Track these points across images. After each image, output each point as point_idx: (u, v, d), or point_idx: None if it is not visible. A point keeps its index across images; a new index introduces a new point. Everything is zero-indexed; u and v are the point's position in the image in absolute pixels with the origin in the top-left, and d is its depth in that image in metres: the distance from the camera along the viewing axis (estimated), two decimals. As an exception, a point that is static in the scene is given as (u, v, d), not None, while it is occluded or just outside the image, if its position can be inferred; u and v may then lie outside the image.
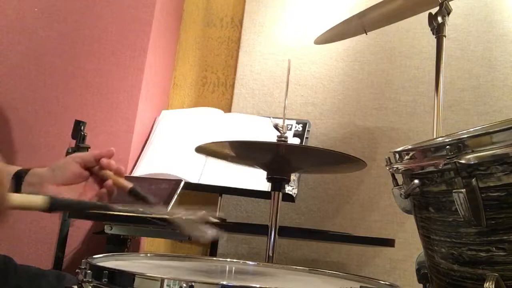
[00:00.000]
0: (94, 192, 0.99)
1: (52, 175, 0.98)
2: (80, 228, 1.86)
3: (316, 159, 1.46)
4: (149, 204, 0.95)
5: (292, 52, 2.20)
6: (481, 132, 0.73)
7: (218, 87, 2.35)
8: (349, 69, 2.19)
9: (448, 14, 1.51)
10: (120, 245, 1.69)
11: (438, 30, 1.51)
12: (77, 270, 0.81)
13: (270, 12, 2.31)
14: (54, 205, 0.78)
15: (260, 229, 1.58)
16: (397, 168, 0.87)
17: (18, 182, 0.97)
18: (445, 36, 1.51)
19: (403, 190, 0.85)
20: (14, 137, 1.97)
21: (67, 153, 1.67)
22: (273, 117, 1.74)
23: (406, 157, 0.85)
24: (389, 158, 0.91)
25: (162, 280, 0.70)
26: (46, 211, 0.79)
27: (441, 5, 1.50)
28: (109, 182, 0.99)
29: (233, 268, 1.04)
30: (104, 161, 0.99)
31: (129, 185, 0.99)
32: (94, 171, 1.00)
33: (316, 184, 2.11)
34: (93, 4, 2.08)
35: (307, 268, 1.07)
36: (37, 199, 0.78)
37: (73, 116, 1.80)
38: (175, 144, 1.98)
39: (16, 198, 0.75)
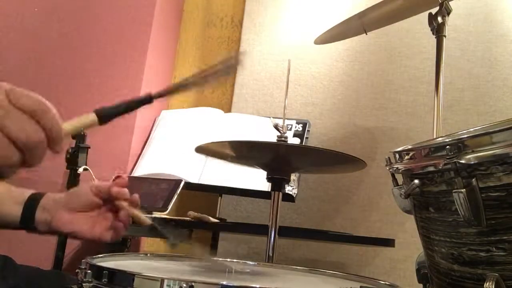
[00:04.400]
0: (108, 220, 0.98)
1: (66, 202, 0.97)
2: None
3: (316, 159, 1.46)
4: (169, 242, 0.94)
5: (292, 52, 2.20)
6: (481, 132, 0.73)
7: (218, 87, 2.35)
8: (349, 69, 2.19)
9: (448, 14, 1.51)
10: (120, 245, 1.69)
11: (438, 30, 1.51)
12: (77, 270, 0.81)
13: (270, 12, 2.31)
14: (104, 116, 0.77)
15: (260, 229, 1.58)
16: (397, 168, 0.87)
17: (32, 206, 0.97)
18: (445, 36, 1.51)
19: (403, 190, 0.85)
20: (14, 137, 1.96)
21: (67, 153, 1.67)
22: (273, 117, 1.74)
23: (406, 157, 0.85)
24: (389, 158, 0.91)
25: (162, 280, 0.70)
26: (100, 125, 0.77)
27: (441, 5, 1.50)
28: (123, 214, 0.96)
29: (233, 268, 1.03)
30: (114, 190, 0.97)
31: (147, 221, 0.95)
32: (107, 200, 0.98)
33: (316, 184, 2.11)
34: (93, 4, 2.08)
35: (307, 268, 1.07)
36: (87, 118, 0.77)
37: (73, 116, 1.79)
38: (175, 144, 1.98)
39: (67, 125, 0.73)
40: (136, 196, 0.98)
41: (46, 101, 0.64)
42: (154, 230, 0.94)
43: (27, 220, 0.97)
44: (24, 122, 0.60)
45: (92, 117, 0.75)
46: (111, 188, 0.97)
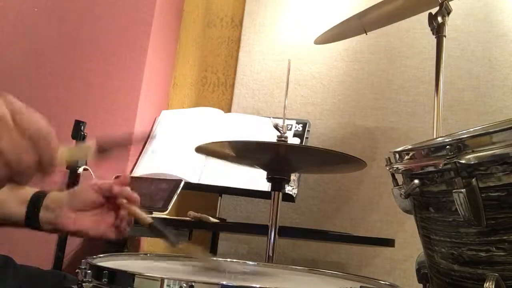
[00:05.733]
0: (111, 218, 0.98)
1: (69, 200, 0.98)
2: (80, 228, 1.86)
3: (316, 159, 1.46)
4: (169, 242, 0.93)
5: (292, 52, 2.20)
6: (481, 132, 0.73)
7: (218, 87, 2.35)
8: (349, 69, 2.19)
9: (448, 14, 1.51)
10: (120, 245, 1.69)
11: (438, 30, 1.51)
12: (77, 270, 0.81)
13: (270, 12, 2.31)
14: (101, 148, 0.77)
15: (260, 229, 1.58)
16: (397, 168, 0.87)
17: (36, 205, 0.97)
18: (445, 36, 1.51)
19: (403, 190, 0.85)
20: (14, 137, 1.96)
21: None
22: (273, 117, 1.74)
23: (406, 157, 0.85)
24: (389, 158, 0.91)
25: (162, 280, 0.70)
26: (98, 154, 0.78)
27: (441, 5, 1.50)
28: (123, 213, 0.97)
29: (227, 268, 1.03)
30: (116, 189, 0.97)
31: (147, 219, 0.95)
32: (109, 198, 0.98)
33: (316, 184, 2.11)
34: (93, 4, 2.08)
35: (307, 268, 1.07)
36: (85, 148, 0.77)
37: (73, 116, 1.79)
38: (175, 144, 1.98)
39: (65, 152, 0.73)
40: (135, 194, 0.99)
41: (49, 128, 0.64)
42: (154, 229, 0.94)
43: (32, 219, 0.97)
44: (20, 145, 0.61)
45: (89, 148, 0.76)
46: (112, 186, 0.97)
